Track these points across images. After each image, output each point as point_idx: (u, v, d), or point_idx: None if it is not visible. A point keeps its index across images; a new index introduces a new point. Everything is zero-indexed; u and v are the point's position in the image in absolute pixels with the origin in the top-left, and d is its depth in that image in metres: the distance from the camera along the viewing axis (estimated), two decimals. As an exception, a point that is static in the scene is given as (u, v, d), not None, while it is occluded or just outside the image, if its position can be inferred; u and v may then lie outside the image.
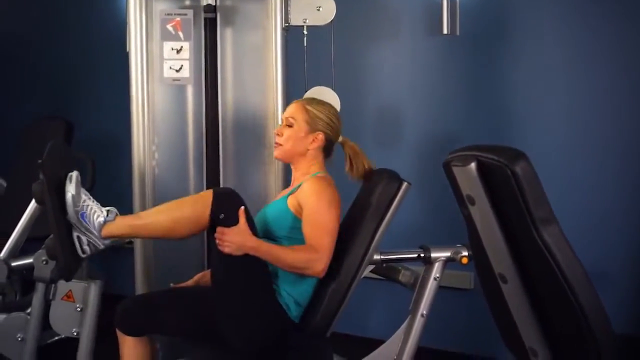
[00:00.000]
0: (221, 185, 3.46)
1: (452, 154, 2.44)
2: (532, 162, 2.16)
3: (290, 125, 2.97)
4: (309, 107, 2.99)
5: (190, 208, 2.73)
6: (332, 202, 2.80)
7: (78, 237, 2.69)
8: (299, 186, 2.88)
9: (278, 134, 3.00)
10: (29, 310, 3.27)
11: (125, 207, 3.04)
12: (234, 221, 2.67)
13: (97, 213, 2.69)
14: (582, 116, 3.90)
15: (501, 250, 2.31)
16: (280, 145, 2.98)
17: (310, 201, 2.78)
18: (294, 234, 2.82)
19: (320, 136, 2.97)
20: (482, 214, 2.32)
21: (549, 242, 2.14)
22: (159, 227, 2.76)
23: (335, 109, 3.08)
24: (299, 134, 2.96)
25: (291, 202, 2.85)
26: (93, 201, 2.71)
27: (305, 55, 3.61)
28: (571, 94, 3.92)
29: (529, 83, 4.04)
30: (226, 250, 2.65)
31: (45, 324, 3.07)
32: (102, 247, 2.71)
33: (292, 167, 3.05)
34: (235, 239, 2.64)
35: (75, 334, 2.95)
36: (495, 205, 2.27)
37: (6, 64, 6.21)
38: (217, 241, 2.67)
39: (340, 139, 3.04)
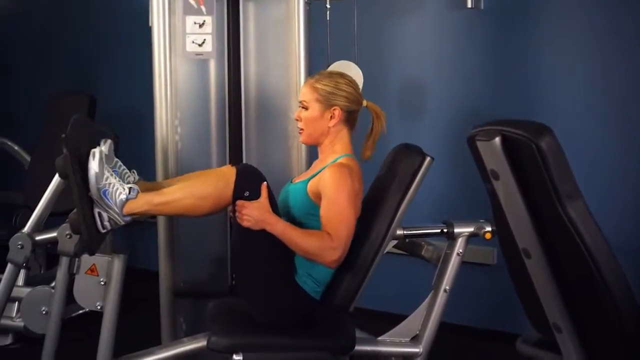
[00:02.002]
0: (244, 160, 3.46)
1: (476, 129, 2.42)
2: (557, 137, 2.14)
3: (305, 108, 2.89)
4: (317, 85, 2.87)
5: (213, 186, 2.72)
6: (352, 194, 2.73)
7: (99, 214, 2.69)
8: (321, 170, 2.82)
9: (298, 119, 2.93)
10: (53, 284, 3.29)
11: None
12: (257, 197, 2.67)
13: (119, 190, 2.68)
14: (608, 90, 3.86)
15: (525, 225, 2.30)
16: (302, 130, 2.91)
17: (329, 191, 2.71)
18: (310, 221, 2.78)
19: (337, 111, 2.86)
20: (506, 188, 2.31)
21: (573, 217, 2.12)
22: (181, 205, 2.76)
23: (347, 77, 2.94)
24: (314, 114, 2.87)
25: (311, 187, 2.80)
26: (116, 178, 2.70)
27: (328, 29, 3.59)
28: (597, 68, 3.89)
29: (554, 57, 4.00)
30: (245, 223, 2.64)
31: (69, 298, 3.09)
32: (122, 223, 2.72)
33: (318, 148, 2.97)
34: (255, 213, 2.64)
35: (99, 307, 2.96)
36: (519, 180, 2.25)
37: (29, 40, 6.23)
38: (236, 214, 2.67)
39: (365, 102, 2.94)
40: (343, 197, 2.70)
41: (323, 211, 2.72)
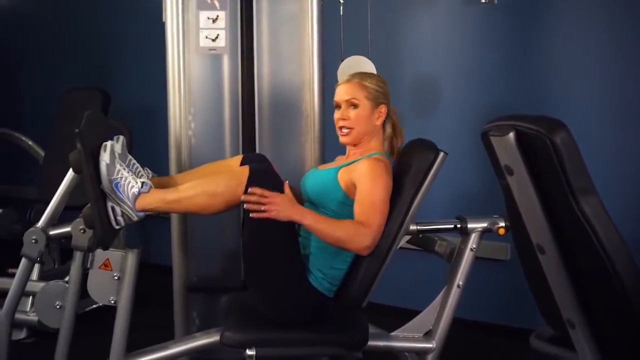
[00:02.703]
0: (257, 155, 3.46)
1: (490, 124, 2.41)
2: (571, 132, 2.13)
3: (354, 106, 2.88)
4: (365, 83, 2.89)
5: (225, 185, 2.71)
6: (387, 189, 2.74)
7: (112, 208, 2.69)
8: (354, 162, 2.83)
9: (344, 119, 2.90)
10: (67, 279, 3.30)
11: (161, 177, 3.04)
12: None
13: (131, 184, 2.68)
14: (623, 86, 3.84)
15: (539, 220, 2.29)
16: (351, 129, 2.89)
17: (366, 182, 2.71)
18: (341, 209, 2.78)
19: (384, 109, 2.91)
20: (520, 184, 2.30)
21: (587, 212, 2.12)
22: (193, 203, 2.75)
23: (381, 77, 3.00)
24: (366, 112, 2.88)
25: (342, 176, 2.80)
26: (129, 172, 2.70)
27: (341, 24, 3.59)
28: (611, 63, 3.87)
29: (568, 52, 3.99)
30: (272, 214, 2.56)
31: (83, 292, 3.10)
32: (135, 219, 2.72)
33: (351, 146, 2.96)
34: (283, 205, 2.58)
35: (112, 302, 2.96)
36: (533, 175, 2.25)
37: (42, 35, 6.25)
38: (253, 207, 2.57)
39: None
40: (379, 189, 2.71)
41: (357, 200, 2.72)
